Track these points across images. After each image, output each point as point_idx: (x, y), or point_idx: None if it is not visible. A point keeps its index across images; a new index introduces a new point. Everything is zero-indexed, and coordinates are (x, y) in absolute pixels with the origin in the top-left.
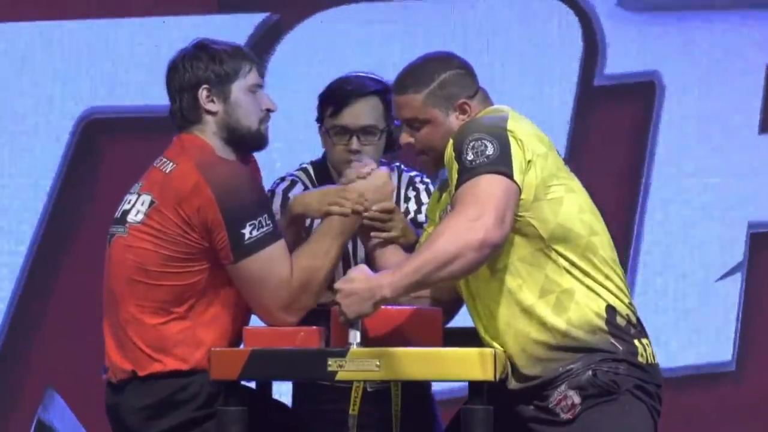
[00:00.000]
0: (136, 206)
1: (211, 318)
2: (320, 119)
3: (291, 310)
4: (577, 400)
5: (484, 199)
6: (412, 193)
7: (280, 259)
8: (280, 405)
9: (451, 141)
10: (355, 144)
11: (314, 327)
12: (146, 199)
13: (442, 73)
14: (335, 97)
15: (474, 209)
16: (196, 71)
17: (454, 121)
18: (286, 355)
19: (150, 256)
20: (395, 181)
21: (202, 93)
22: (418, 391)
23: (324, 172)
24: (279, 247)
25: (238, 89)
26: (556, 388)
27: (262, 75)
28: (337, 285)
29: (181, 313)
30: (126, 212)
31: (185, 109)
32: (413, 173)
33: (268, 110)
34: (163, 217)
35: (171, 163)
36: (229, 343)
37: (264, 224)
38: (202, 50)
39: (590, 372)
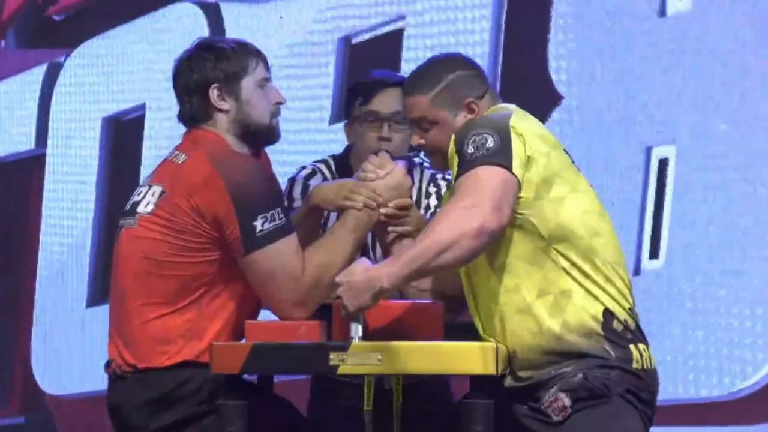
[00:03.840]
0: (147, 197)
1: (217, 309)
2: (348, 113)
3: (302, 305)
4: (567, 402)
5: (480, 187)
6: (433, 189)
7: (291, 253)
8: (281, 400)
9: (453, 136)
10: (385, 131)
11: (316, 321)
12: (157, 189)
13: (450, 74)
14: (365, 87)
15: (470, 198)
16: (204, 71)
17: (462, 121)
18: (287, 349)
19: (160, 247)
20: (417, 177)
21: (213, 92)
22: (437, 386)
23: (345, 166)
24: (291, 241)
25: (247, 85)
26: (548, 389)
27: (268, 68)
28: (338, 278)
29: (186, 304)
30: (136, 203)
31: (195, 109)
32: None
33: (278, 103)
34: (173, 207)
35: (183, 155)
36: (234, 336)
37: (276, 218)
38: (207, 50)
39: (581, 375)
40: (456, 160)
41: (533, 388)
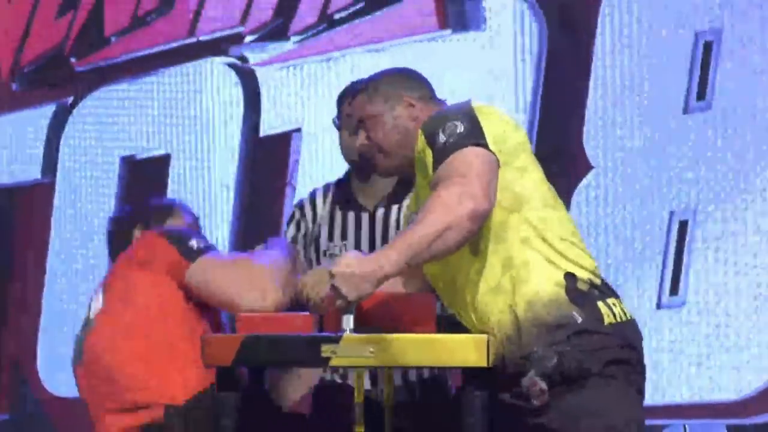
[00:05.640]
0: (93, 305)
1: None
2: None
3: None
4: (544, 387)
5: (465, 170)
6: None
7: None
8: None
9: (420, 132)
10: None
11: (308, 313)
12: (98, 291)
13: (384, 76)
14: (346, 92)
15: (460, 183)
16: None
17: (402, 116)
18: (279, 341)
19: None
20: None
21: None
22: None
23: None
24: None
25: None
26: (524, 373)
27: None
28: (334, 270)
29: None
30: (88, 318)
31: None
32: None
33: None
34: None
35: None
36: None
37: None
38: None
39: (555, 359)
40: (429, 152)
41: (511, 375)
